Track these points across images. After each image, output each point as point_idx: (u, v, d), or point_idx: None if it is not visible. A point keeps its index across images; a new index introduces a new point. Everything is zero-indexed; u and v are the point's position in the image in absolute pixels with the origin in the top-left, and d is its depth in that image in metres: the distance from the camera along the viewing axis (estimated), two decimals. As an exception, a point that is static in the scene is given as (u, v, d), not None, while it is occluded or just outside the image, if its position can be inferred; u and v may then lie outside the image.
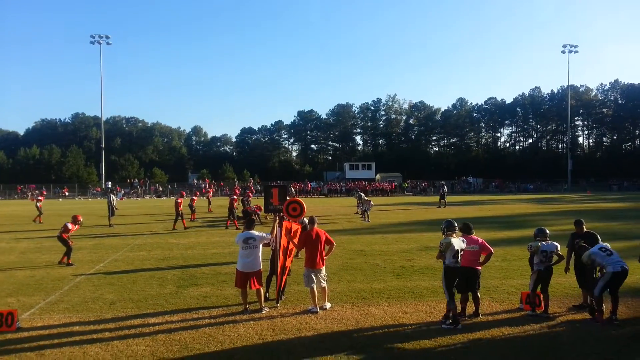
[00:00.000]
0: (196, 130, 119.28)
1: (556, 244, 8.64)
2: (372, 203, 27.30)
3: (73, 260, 13.70)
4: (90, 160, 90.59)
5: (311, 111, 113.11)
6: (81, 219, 14.93)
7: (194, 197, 28.12)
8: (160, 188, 71.66)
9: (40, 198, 28.40)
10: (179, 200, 23.06)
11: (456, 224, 8.50)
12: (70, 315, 8.69)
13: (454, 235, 8.30)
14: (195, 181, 76.50)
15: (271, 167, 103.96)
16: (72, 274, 12.32)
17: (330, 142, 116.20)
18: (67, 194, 67.00)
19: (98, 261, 14.11)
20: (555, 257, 8.65)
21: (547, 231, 8.79)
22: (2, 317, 7.81)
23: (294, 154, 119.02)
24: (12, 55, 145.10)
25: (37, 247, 16.93)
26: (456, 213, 30.02)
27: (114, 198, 26.70)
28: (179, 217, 22.56)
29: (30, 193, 65.29)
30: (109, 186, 63.64)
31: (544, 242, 8.57)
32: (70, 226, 14.26)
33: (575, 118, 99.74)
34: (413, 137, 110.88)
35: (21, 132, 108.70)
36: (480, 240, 8.61)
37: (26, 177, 76.73)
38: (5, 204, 51.84)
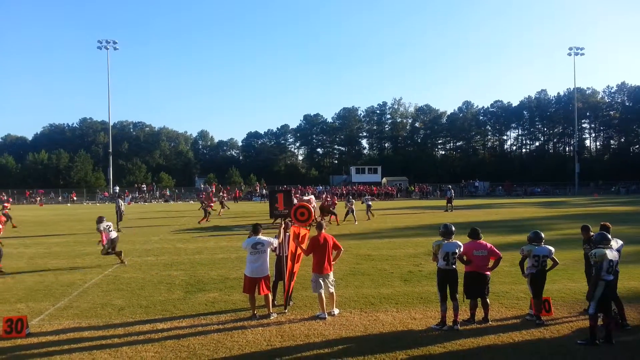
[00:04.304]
0: (203, 134, 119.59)
1: (550, 248, 8.47)
2: (371, 204, 29.98)
3: (83, 265, 13.72)
4: (98, 164, 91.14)
5: (317, 115, 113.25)
6: (8, 206, 14.27)
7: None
8: (168, 192, 71.92)
9: (6, 205, 28.29)
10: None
11: (453, 229, 8.44)
12: (79, 321, 8.73)
13: (450, 239, 8.31)
14: (202, 185, 76.67)
15: (277, 171, 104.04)
16: (81, 279, 12.37)
17: (336, 146, 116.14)
18: (75, 198, 67.38)
19: (106, 266, 14.15)
20: (549, 262, 8.49)
21: (542, 235, 8.62)
22: (12, 323, 7.86)
23: (300, 157, 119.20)
24: (20, 61, 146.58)
25: (46, 253, 17.00)
26: (463, 217, 29.92)
27: (122, 203, 26.79)
28: (207, 212, 27.79)
29: (39, 198, 65.71)
30: (117, 191, 63.97)
31: (537, 246, 8.46)
32: None
33: (582, 121, 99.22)
34: (419, 140, 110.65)
35: (29, 137, 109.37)
36: (488, 245, 8.56)
37: (35, 182, 77.24)
38: (14, 209, 52.06)
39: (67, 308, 9.63)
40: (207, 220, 28.08)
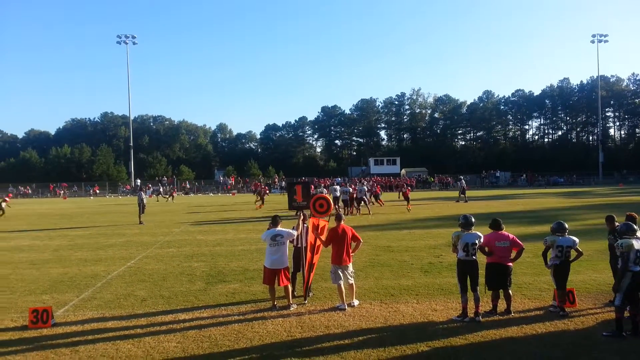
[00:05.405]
0: (221, 127, 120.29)
1: (574, 238, 8.30)
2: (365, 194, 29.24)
3: (106, 257, 13.95)
4: (119, 158, 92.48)
5: (335, 106, 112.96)
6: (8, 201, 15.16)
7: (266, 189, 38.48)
8: (188, 185, 72.63)
9: (7, 199, 31.41)
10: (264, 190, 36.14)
11: (473, 220, 8.34)
12: (103, 312, 8.87)
13: (470, 230, 8.20)
14: (222, 178, 77.25)
15: (295, 163, 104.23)
16: (105, 271, 12.57)
17: (354, 138, 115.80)
18: (98, 192, 68.50)
19: (129, 258, 14.36)
20: (573, 253, 8.35)
21: (566, 225, 8.46)
22: (38, 314, 8.02)
23: (318, 149, 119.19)
24: (42, 57, 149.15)
25: (70, 245, 17.32)
26: (485, 208, 29.60)
27: (144, 196, 27.05)
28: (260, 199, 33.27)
29: (62, 191, 66.96)
30: (139, 184, 64.82)
31: (560, 237, 8.31)
32: None
33: (606, 109, 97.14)
34: (438, 131, 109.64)
35: (52, 132, 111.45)
36: (510, 235, 8.42)
37: (58, 176, 78.72)
38: (38, 202, 53.30)
39: (91, 299, 9.79)
40: (260, 206, 32.61)
